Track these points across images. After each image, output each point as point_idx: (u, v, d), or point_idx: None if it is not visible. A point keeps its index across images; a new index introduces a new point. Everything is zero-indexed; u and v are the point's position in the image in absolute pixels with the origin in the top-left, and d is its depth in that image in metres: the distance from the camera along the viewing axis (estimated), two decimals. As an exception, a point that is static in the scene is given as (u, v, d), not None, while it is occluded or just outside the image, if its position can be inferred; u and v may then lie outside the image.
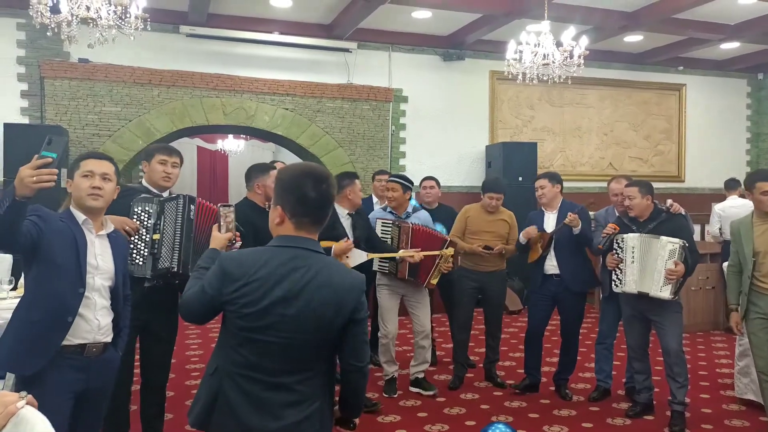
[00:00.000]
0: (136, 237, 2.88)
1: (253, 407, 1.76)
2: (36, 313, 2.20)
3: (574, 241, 4.25)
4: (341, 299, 1.77)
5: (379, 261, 4.26)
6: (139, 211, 2.93)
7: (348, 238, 3.92)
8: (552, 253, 4.29)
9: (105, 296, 2.34)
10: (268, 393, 1.76)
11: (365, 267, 4.30)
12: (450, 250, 4.18)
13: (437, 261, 4.17)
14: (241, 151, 14.33)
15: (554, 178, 4.44)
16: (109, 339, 2.36)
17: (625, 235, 3.86)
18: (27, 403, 1.43)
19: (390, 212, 4.48)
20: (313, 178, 1.82)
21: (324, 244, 3.75)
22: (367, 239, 4.07)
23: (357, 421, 1.94)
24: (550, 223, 4.36)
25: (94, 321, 2.29)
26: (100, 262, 2.32)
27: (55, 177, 1.93)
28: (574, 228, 4.18)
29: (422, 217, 4.53)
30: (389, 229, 4.31)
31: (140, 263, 2.90)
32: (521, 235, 4.37)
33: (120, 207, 2.75)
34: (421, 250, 4.10)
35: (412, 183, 4.54)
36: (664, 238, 3.71)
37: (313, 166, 1.90)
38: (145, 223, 2.92)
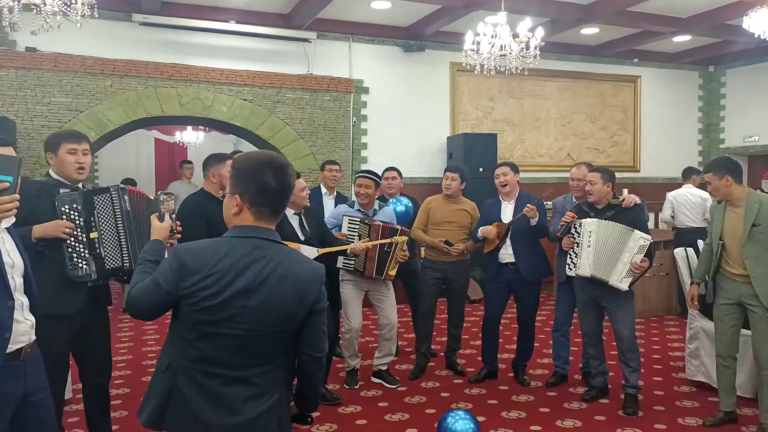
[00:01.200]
0: (72, 239, 2.71)
1: (211, 403, 1.73)
2: None
3: (530, 231, 4.31)
4: (303, 290, 1.74)
5: (344, 259, 4.23)
6: (68, 210, 2.72)
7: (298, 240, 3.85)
8: (508, 242, 4.34)
9: (21, 291, 2.18)
10: (227, 387, 1.73)
11: (325, 262, 4.25)
12: (403, 238, 4.19)
13: (392, 251, 4.17)
14: (200, 143, 14.05)
15: (515, 167, 4.52)
16: (35, 336, 2.22)
17: (583, 220, 3.93)
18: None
19: (358, 210, 4.43)
20: (274, 167, 1.78)
21: None
22: (320, 237, 3.98)
23: (314, 415, 1.91)
24: (507, 212, 4.40)
25: (27, 322, 2.15)
26: (14, 258, 2.15)
27: (18, 203, 1.76)
28: (531, 219, 4.23)
29: (387, 214, 4.51)
30: (356, 226, 4.25)
31: (83, 266, 2.73)
32: (480, 231, 4.39)
33: (41, 207, 2.53)
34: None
35: (380, 177, 4.56)
36: (637, 232, 3.78)
37: (272, 155, 1.85)
38: (77, 222, 2.73)
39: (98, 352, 3.04)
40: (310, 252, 3.80)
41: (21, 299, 2.15)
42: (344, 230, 4.28)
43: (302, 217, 3.96)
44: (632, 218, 3.88)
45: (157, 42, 7.25)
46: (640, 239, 3.75)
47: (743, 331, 3.71)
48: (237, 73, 7.49)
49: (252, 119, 7.62)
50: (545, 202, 4.45)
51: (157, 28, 7.20)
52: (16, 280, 2.14)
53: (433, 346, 5.23)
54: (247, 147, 9.11)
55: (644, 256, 3.73)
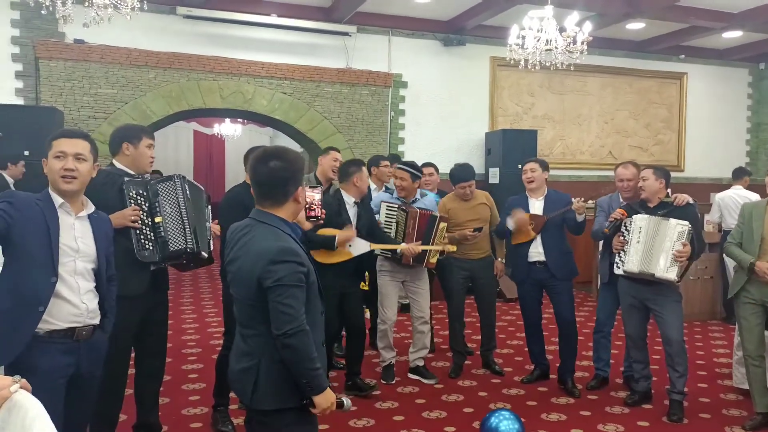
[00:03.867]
0: (139, 222, 2.82)
1: (234, 348, 2.10)
2: (6, 302, 2.15)
3: (560, 228, 4.24)
4: (252, 266, 1.93)
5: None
6: (135, 195, 2.84)
7: (351, 224, 3.90)
8: (538, 239, 4.26)
9: (89, 279, 2.29)
10: (239, 340, 2.06)
11: (366, 253, 4.27)
12: (443, 225, 4.18)
13: (432, 238, 4.14)
14: (238, 136, 14.23)
15: (544, 164, 4.45)
16: (97, 321, 2.33)
17: (634, 216, 3.85)
18: (21, 387, 1.40)
19: (397, 198, 4.45)
20: (263, 156, 2.01)
21: (328, 231, 3.72)
22: (369, 229, 4.03)
23: (316, 400, 1.94)
24: (535, 209, 4.33)
25: (82, 305, 2.25)
26: (80, 245, 2.26)
27: None
28: (578, 215, 4.15)
29: (428, 203, 4.49)
30: (394, 213, 4.27)
31: (149, 247, 2.84)
32: (509, 220, 4.31)
33: (108, 195, 2.60)
34: (422, 242, 4.10)
35: (421, 172, 4.50)
36: (673, 220, 3.71)
37: (270, 147, 2.08)
38: (143, 206, 2.86)
39: (156, 333, 3.14)
40: (363, 245, 3.84)
41: (79, 283, 2.25)
42: (382, 217, 4.30)
43: (359, 208, 4.00)
44: (684, 216, 3.77)
45: (200, 35, 7.34)
46: (677, 226, 3.67)
47: None
48: (277, 67, 7.53)
49: (291, 113, 7.67)
50: (589, 201, 4.35)
51: (201, 21, 7.30)
52: (78, 264, 2.25)
53: (469, 344, 5.19)
54: (284, 140, 9.18)
55: (688, 242, 3.65)
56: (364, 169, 4.04)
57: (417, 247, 4.05)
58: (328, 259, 3.77)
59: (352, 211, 3.97)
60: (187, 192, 2.96)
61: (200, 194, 3.11)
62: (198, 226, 2.95)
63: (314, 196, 2.41)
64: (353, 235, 3.78)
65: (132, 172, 2.97)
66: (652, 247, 3.72)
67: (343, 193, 3.98)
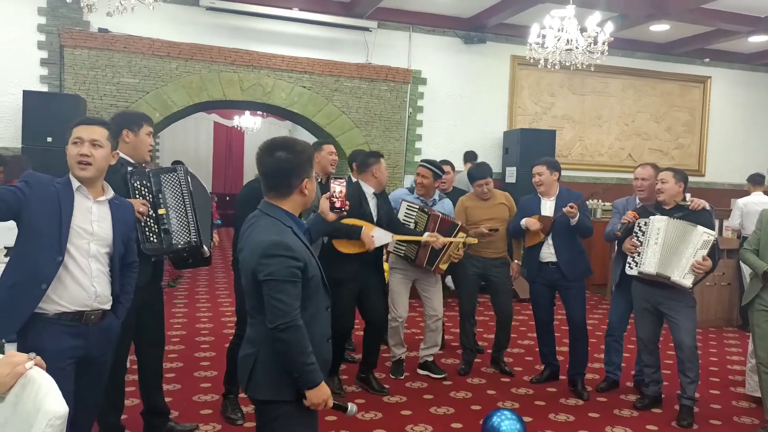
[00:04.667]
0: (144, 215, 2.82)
1: (246, 336, 2.11)
2: (11, 278, 2.20)
3: (571, 229, 4.20)
4: (250, 258, 1.95)
5: (395, 243, 4.23)
6: (139, 186, 2.83)
7: (373, 221, 3.90)
8: (549, 240, 4.23)
9: (103, 263, 2.32)
10: (248, 326, 2.08)
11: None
12: (462, 236, 4.15)
13: (447, 246, 4.13)
14: (257, 129, 14.33)
15: (552, 165, 4.36)
16: (107, 307, 2.35)
17: (652, 217, 3.81)
18: (35, 365, 1.44)
19: (416, 197, 4.43)
20: (270, 147, 2.00)
21: (353, 221, 3.74)
22: (389, 221, 4.03)
23: (308, 394, 1.94)
24: (547, 209, 4.30)
25: (91, 288, 2.27)
26: (96, 228, 2.29)
27: None
28: (571, 219, 4.12)
29: (446, 207, 4.48)
30: (414, 213, 4.25)
31: (154, 240, 2.84)
32: (524, 221, 4.29)
33: (111, 182, 2.60)
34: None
35: (443, 172, 4.49)
36: (701, 227, 3.65)
37: (275, 139, 2.06)
38: (147, 198, 2.85)
39: (153, 324, 3.17)
40: (385, 236, 3.84)
41: (92, 266, 2.28)
42: (401, 215, 4.27)
43: (378, 199, 4.00)
44: (700, 222, 3.72)
45: (221, 27, 7.40)
46: (703, 234, 3.62)
47: None
48: (297, 60, 7.57)
49: (309, 106, 7.70)
50: (601, 201, 4.32)
51: (223, 13, 7.35)
52: (92, 246, 2.28)
53: (480, 343, 5.19)
54: (303, 133, 9.23)
55: (708, 255, 3.60)
56: (383, 160, 4.03)
57: (442, 238, 4.01)
58: (349, 249, 3.78)
59: (372, 203, 3.97)
60: (190, 184, 2.94)
61: (204, 190, 3.10)
62: (201, 220, 2.93)
63: (336, 187, 2.38)
64: (372, 246, 3.76)
65: (131, 160, 2.95)
66: (674, 251, 3.68)
67: (362, 184, 3.98)
